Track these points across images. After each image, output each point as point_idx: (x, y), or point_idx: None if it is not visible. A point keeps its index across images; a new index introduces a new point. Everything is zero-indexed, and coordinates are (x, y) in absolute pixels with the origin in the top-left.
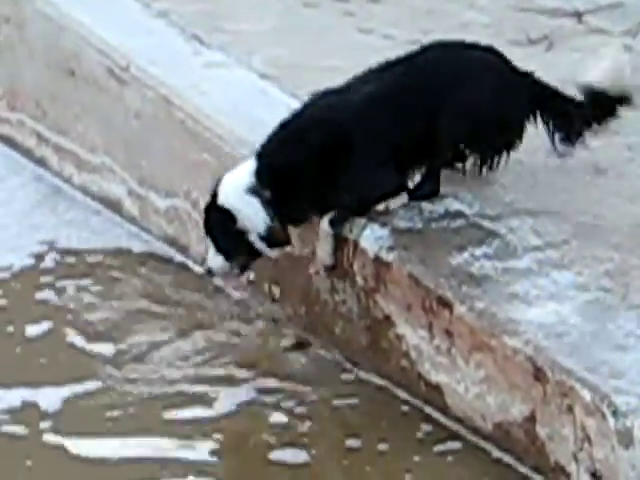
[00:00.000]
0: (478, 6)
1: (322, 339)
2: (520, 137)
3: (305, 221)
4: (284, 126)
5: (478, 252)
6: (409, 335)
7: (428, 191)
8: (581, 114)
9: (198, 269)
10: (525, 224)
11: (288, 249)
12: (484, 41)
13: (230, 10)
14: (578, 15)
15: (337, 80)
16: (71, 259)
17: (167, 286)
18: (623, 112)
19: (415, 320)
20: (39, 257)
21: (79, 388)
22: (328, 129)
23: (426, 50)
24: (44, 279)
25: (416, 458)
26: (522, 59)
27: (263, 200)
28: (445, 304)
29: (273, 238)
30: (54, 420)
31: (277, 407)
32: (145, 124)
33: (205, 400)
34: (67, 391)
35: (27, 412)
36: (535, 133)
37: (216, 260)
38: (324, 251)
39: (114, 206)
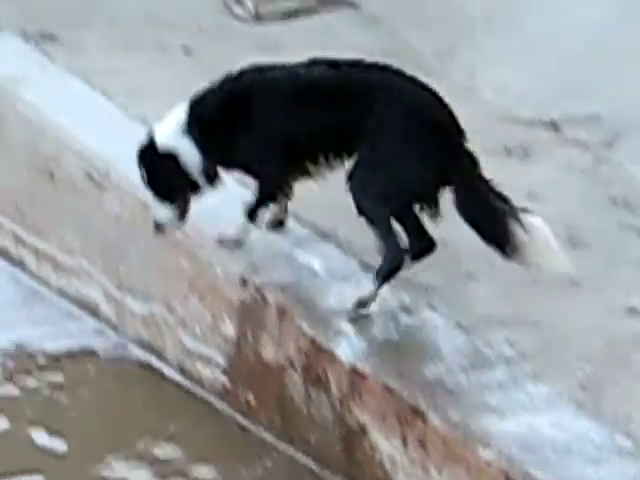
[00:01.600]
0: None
1: (297, 446)
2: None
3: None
4: (215, 82)
5: (452, 363)
6: (383, 445)
7: (422, 247)
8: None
9: (172, 374)
10: (499, 335)
11: None
12: None
13: None
14: (555, 126)
15: None
16: (41, 359)
17: (138, 391)
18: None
19: (389, 430)
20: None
21: None
22: (237, 90)
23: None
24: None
25: None
26: (498, 168)
27: (195, 140)
28: (419, 414)
29: (208, 174)
30: None
31: None
32: (123, 229)
33: None
34: None
35: None
36: None
37: (162, 212)
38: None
39: (91, 309)
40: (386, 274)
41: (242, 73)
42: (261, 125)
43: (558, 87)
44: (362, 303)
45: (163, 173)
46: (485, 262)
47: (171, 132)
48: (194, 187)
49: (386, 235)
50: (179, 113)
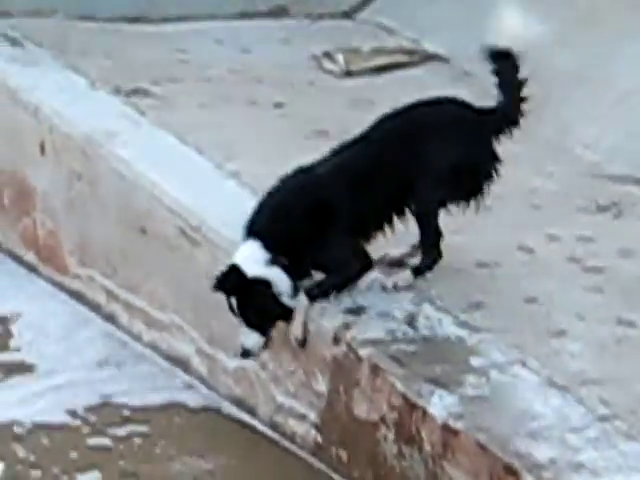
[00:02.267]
0: (546, 172)
1: None
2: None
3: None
4: (269, 204)
5: (545, 420)
6: None
7: (429, 262)
8: None
9: (264, 429)
10: (593, 393)
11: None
12: (553, 208)
13: None
14: None
15: None
16: (127, 412)
17: (232, 447)
18: None
19: None
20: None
21: None
22: (312, 199)
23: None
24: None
25: None
26: (590, 226)
27: (282, 266)
28: (513, 473)
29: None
30: None
31: None
32: None
33: None
34: None
35: None
36: (603, 303)
37: (250, 338)
38: (296, 324)
39: (182, 364)
40: (424, 270)
41: (294, 183)
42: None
43: None
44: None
45: (258, 300)
46: (576, 317)
47: (255, 263)
48: (287, 313)
49: (434, 232)
50: (253, 244)
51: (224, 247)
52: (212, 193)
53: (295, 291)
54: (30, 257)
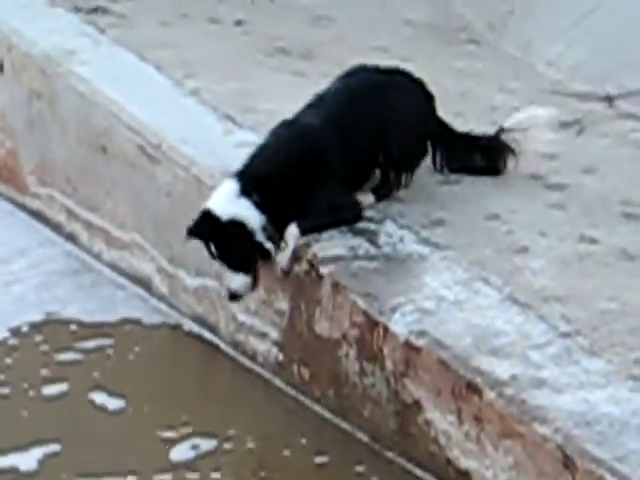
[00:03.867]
0: (509, 89)
1: (351, 421)
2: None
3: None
4: (255, 152)
5: (508, 338)
6: (438, 420)
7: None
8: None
9: (226, 348)
10: (555, 310)
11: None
12: None
13: (262, 89)
14: (609, 99)
15: None
16: (89, 329)
17: (193, 363)
18: None
19: (444, 405)
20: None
21: None
22: (303, 145)
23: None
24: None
25: None
26: (552, 143)
27: (254, 202)
28: (474, 390)
29: (270, 236)
30: None
31: None
32: (176, 203)
33: None
34: None
35: None
36: (566, 219)
37: (236, 280)
38: (284, 254)
39: (143, 284)
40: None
41: (290, 128)
42: (330, 171)
43: (612, 61)
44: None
45: (235, 240)
46: (538, 234)
47: (227, 201)
48: (263, 251)
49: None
50: (228, 185)
51: (184, 165)
52: (172, 111)
53: (272, 232)
54: None
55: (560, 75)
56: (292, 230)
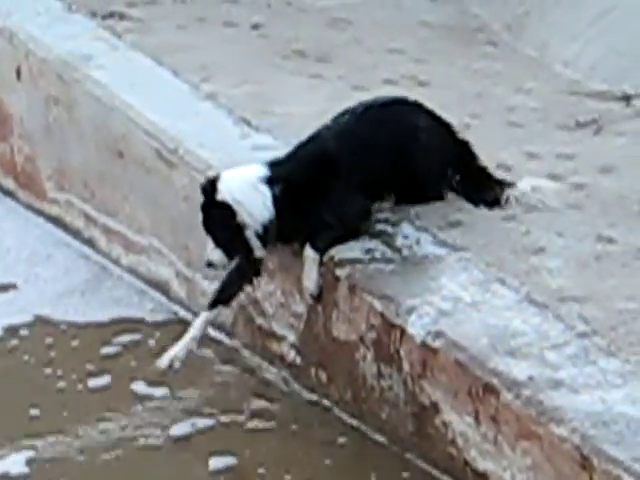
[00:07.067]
0: (525, 89)
1: (368, 423)
2: None
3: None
4: (296, 150)
5: (525, 339)
6: (455, 422)
7: None
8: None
9: (244, 351)
10: (572, 310)
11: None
12: (532, 125)
13: (278, 93)
14: (626, 99)
15: None
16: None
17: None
18: None
19: (461, 407)
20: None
21: None
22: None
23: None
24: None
25: None
26: (569, 143)
27: (273, 193)
28: (491, 391)
29: (268, 235)
30: None
31: None
32: (193, 206)
33: None
34: None
35: None
36: (583, 219)
37: (215, 253)
38: (309, 279)
39: (161, 287)
40: None
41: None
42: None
43: (629, 60)
44: None
45: (219, 224)
46: (555, 234)
47: (241, 182)
48: (246, 247)
49: None
50: (258, 168)
51: (201, 169)
52: (188, 115)
53: (269, 226)
54: (8, 183)
55: (577, 75)
56: (308, 254)
